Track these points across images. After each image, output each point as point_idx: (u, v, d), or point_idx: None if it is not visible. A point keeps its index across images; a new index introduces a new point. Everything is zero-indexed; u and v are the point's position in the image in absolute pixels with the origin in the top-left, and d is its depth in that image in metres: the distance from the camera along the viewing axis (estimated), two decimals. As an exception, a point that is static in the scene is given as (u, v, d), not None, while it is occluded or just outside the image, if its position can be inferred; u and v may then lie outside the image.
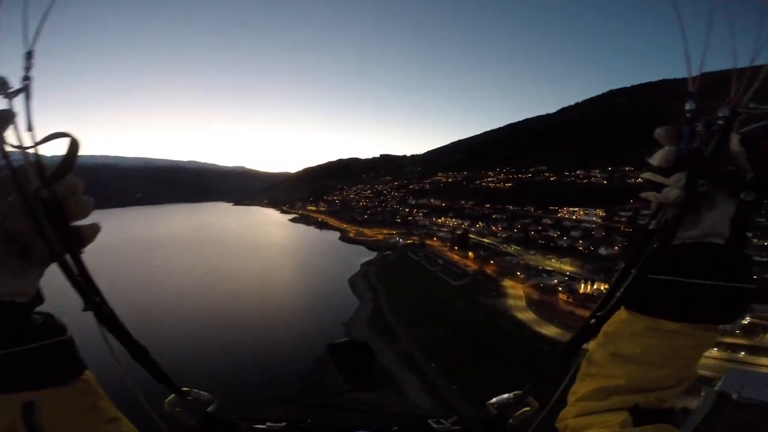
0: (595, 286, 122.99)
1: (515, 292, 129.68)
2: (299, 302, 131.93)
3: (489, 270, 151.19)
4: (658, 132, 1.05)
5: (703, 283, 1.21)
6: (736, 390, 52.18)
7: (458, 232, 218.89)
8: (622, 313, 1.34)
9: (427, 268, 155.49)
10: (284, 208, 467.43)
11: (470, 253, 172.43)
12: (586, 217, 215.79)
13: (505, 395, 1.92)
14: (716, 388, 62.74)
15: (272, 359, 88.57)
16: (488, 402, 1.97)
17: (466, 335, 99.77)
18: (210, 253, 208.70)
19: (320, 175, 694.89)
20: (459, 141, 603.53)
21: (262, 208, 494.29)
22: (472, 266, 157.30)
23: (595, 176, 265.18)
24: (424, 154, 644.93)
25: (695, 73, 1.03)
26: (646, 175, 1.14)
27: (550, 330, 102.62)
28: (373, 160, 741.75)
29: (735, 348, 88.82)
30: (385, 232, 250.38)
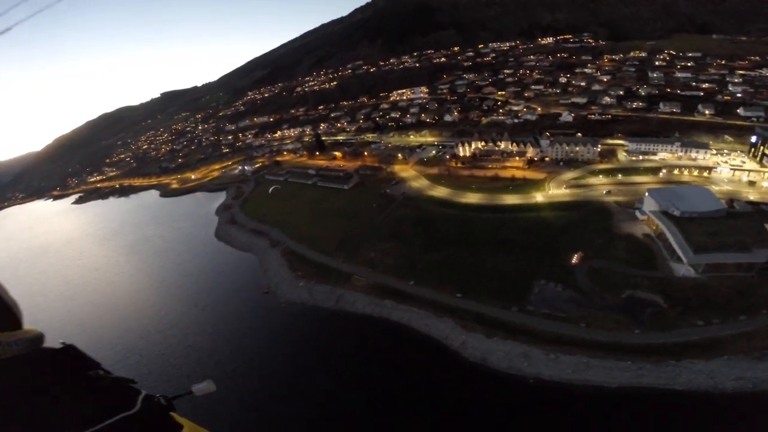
0: (473, 146, 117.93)
1: (408, 174, 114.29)
2: (191, 288, 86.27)
3: (368, 162, 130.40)
4: None
5: None
6: (671, 207, 71.36)
7: (306, 139, 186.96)
8: None
9: (304, 183, 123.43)
10: (55, 193, 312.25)
11: (337, 153, 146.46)
12: (414, 96, 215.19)
13: None
14: (653, 209, 75.40)
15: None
16: None
17: (414, 237, 78.74)
18: None
19: (84, 139, 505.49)
20: (256, 59, 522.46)
21: (23, 206, 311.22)
22: (348, 164, 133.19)
23: (407, 62, 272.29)
24: (219, 79, 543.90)
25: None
26: None
27: (471, 198, 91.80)
28: (152, 102, 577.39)
29: (610, 173, 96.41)
30: (217, 167, 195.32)
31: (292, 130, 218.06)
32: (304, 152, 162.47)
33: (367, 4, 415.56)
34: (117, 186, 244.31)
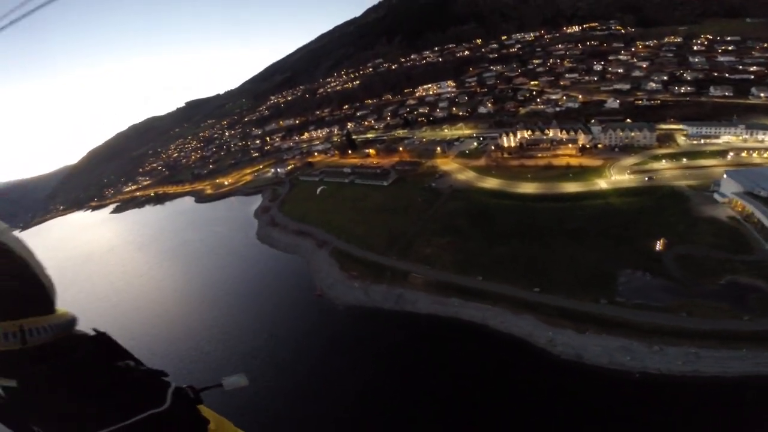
0: (519, 136, 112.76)
1: (450, 167, 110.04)
2: (240, 292, 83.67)
3: (405, 157, 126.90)
4: None
5: None
6: (757, 188, 65.53)
7: (335, 139, 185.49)
8: None
9: (341, 182, 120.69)
10: (93, 203, 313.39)
11: (371, 151, 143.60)
12: (441, 90, 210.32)
13: None
14: (736, 190, 69.21)
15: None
16: None
17: (472, 230, 74.11)
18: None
19: (116, 150, 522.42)
20: (273, 64, 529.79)
21: (63, 217, 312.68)
22: (383, 161, 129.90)
23: (429, 57, 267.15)
24: (240, 86, 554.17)
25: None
26: None
27: (527, 187, 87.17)
28: (178, 111, 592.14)
29: (673, 157, 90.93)
30: (249, 171, 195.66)
31: (319, 131, 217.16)
32: (336, 152, 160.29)
33: (380, 3, 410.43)
34: (152, 194, 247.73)
